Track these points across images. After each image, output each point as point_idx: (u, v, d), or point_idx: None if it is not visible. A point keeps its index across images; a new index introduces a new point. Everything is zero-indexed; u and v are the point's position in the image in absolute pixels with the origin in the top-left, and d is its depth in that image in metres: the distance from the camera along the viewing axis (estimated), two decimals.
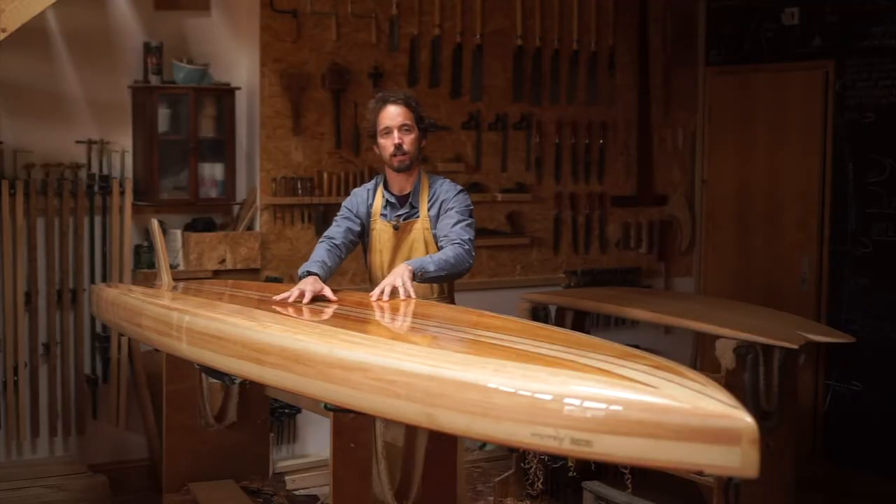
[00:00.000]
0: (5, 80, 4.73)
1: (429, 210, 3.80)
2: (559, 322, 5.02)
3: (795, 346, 4.10)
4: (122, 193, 4.93)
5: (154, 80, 4.95)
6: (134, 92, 5.02)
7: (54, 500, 4.62)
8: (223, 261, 5.07)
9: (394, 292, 3.40)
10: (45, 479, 4.69)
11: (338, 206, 4.77)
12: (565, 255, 6.13)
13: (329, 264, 3.65)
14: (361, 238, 3.90)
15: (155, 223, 4.33)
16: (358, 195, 3.92)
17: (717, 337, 4.21)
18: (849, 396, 5.61)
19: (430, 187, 3.84)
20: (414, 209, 3.83)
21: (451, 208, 3.77)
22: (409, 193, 3.84)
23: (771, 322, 4.46)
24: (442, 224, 3.76)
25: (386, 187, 3.87)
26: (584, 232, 6.17)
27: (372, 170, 5.40)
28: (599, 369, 2.20)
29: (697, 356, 6.03)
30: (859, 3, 5.50)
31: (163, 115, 4.93)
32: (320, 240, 3.82)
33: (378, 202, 3.87)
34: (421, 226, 3.81)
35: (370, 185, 3.94)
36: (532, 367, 2.24)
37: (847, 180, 5.60)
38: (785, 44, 5.94)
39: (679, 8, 6.40)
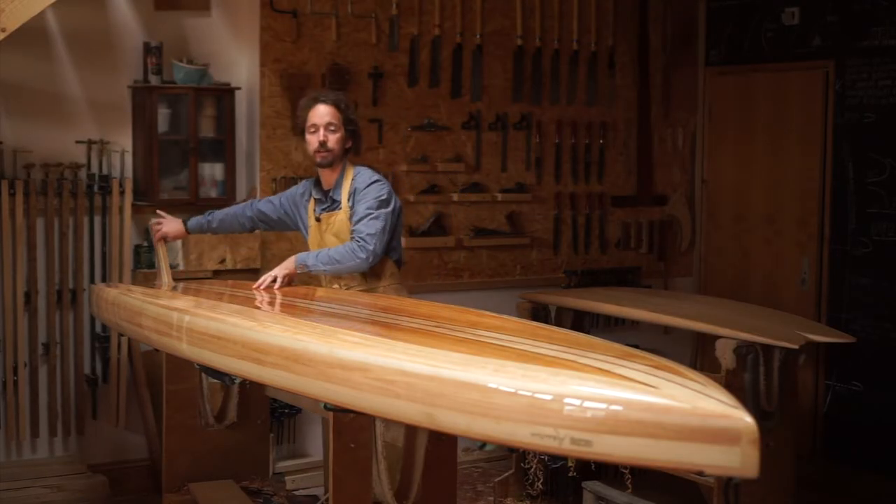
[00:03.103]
0: (5, 80, 4.73)
1: (348, 200, 3.98)
2: (559, 322, 5.02)
3: (795, 346, 4.10)
4: (121, 193, 4.93)
5: (154, 80, 4.95)
6: (134, 92, 5.01)
7: (54, 500, 4.62)
8: (223, 261, 5.07)
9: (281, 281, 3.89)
10: (45, 479, 4.69)
11: None
12: (565, 255, 6.12)
13: (213, 224, 4.30)
14: (283, 222, 4.29)
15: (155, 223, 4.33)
16: (299, 188, 4.23)
17: (717, 337, 4.20)
18: (849, 396, 5.60)
19: (352, 179, 4.01)
20: (335, 202, 4.02)
21: (360, 200, 3.93)
22: (332, 188, 4.04)
23: (771, 322, 4.46)
24: (354, 218, 3.94)
25: (317, 185, 4.11)
26: (584, 232, 6.17)
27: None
28: (599, 369, 2.19)
29: (697, 356, 6.03)
30: (859, 3, 5.50)
31: (163, 115, 4.93)
32: (249, 201, 4.45)
33: (312, 200, 4.12)
34: (343, 216, 3.99)
35: (307, 183, 4.19)
36: (532, 367, 2.24)
37: (847, 180, 5.59)
38: (785, 44, 5.94)
39: (679, 8, 6.39)
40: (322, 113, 3.98)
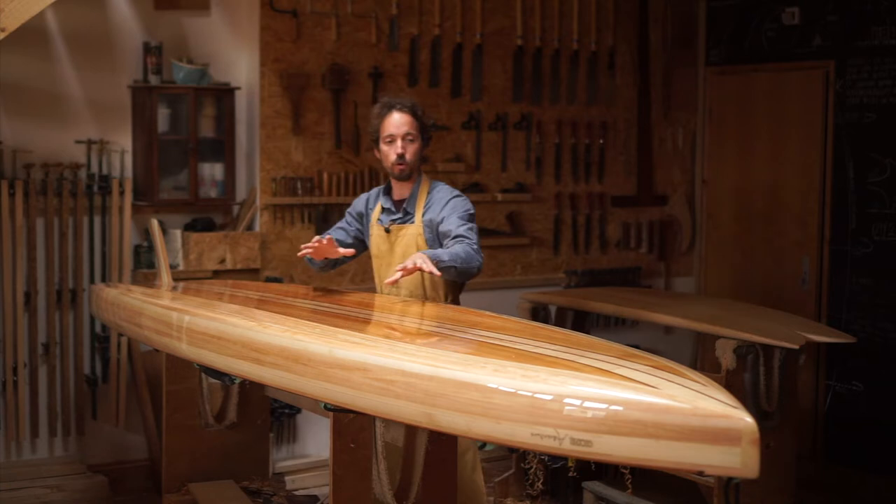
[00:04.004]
0: (5, 80, 4.73)
1: (424, 215, 3.76)
2: (559, 322, 5.02)
3: (795, 346, 4.10)
4: (121, 193, 4.93)
5: (154, 79, 4.95)
6: (134, 92, 5.01)
7: (54, 500, 4.63)
8: (223, 261, 5.07)
9: (414, 270, 3.39)
10: (45, 479, 4.70)
11: (338, 206, 4.75)
12: (565, 255, 6.12)
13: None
14: (358, 244, 3.93)
15: (154, 223, 4.33)
16: (361, 199, 3.97)
17: (717, 337, 4.21)
18: (849, 396, 5.60)
19: (428, 193, 3.80)
20: (409, 214, 3.79)
21: (450, 214, 3.69)
22: (405, 199, 3.81)
23: (771, 322, 4.45)
24: (445, 227, 3.69)
25: (387, 193, 3.87)
26: (584, 232, 6.17)
27: (372, 170, 5.40)
28: (599, 369, 2.19)
29: (697, 356, 6.03)
30: (859, 3, 5.50)
31: (162, 115, 4.93)
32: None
33: (378, 208, 3.87)
34: (415, 231, 3.76)
35: (375, 190, 3.95)
36: (532, 367, 2.24)
37: (847, 180, 5.59)
38: (785, 44, 5.94)
39: (679, 8, 6.39)
40: (399, 122, 3.73)
